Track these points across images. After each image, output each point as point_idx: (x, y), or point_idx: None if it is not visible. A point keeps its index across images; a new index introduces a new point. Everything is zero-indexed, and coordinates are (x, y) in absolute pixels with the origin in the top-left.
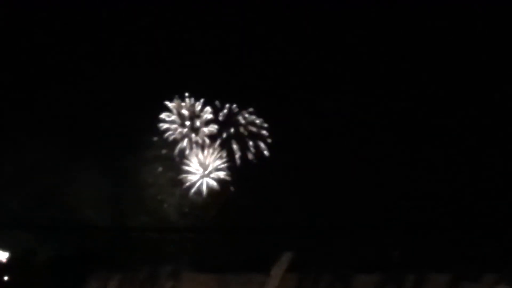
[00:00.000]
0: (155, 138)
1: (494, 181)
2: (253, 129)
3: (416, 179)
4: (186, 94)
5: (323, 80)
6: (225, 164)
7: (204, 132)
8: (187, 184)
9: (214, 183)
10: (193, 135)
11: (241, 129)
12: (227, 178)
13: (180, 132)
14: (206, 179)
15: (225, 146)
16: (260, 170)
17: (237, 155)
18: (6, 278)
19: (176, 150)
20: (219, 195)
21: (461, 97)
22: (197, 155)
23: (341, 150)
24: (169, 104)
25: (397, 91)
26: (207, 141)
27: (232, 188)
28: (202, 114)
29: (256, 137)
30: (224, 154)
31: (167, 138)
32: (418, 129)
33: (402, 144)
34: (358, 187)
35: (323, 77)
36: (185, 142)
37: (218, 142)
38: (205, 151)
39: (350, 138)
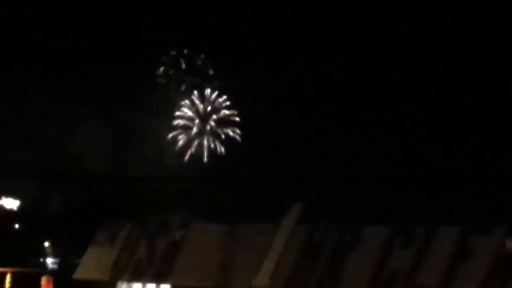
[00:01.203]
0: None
1: (505, 134)
2: None
3: (426, 133)
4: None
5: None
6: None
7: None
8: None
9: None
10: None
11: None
12: (235, 133)
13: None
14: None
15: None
16: (269, 123)
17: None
18: (17, 226)
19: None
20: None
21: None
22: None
23: (355, 104)
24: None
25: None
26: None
27: (238, 138)
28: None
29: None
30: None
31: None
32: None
33: (412, 97)
34: (370, 138)
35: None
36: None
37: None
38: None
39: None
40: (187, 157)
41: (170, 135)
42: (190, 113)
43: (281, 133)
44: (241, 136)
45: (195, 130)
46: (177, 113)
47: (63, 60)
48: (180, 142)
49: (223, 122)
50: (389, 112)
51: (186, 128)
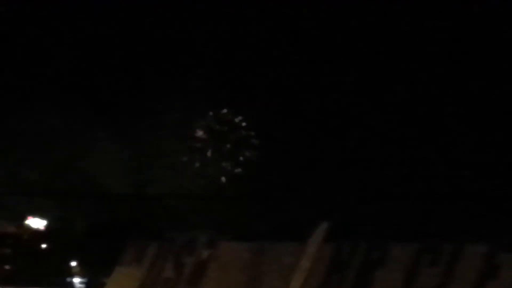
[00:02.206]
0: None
1: None
2: None
3: (453, 150)
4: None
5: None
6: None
7: None
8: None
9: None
10: None
11: None
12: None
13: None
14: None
15: None
16: (291, 141)
17: None
18: (44, 245)
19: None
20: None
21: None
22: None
23: (373, 122)
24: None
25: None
26: None
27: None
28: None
29: None
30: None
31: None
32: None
33: (439, 115)
34: (395, 156)
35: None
36: None
37: None
38: None
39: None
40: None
41: (186, 158)
42: (203, 135)
43: (305, 151)
44: (260, 155)
45: (210, 152)
46: (195, 134)
47: (83, 79)
48: (197, 164)
49: (240, 143)
50: (412, 130)
51: (201, 150)
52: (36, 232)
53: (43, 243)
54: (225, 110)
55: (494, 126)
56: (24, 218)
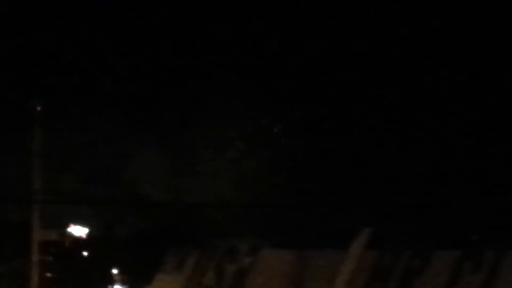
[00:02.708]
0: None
1: None
2: None
3: (491, 155)
4: None
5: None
6: None
7: None
8: None
9: None
10: None
11: None
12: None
13: None
14: None
15: None
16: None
17: None
18: (86, 253)
19: None
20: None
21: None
22: None
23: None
24: None
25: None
26: None
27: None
28: None
29: None
30: None
31: None
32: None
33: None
34: (436, 159)
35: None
36: None
37: None
38: None
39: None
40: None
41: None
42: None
43: (348, 157)
44: (300, 162)
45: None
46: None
47: (122, 87)
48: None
49: (280, 151)
50: (453, 132)
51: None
52: (78, 239)
53: (85, 250)
54: (263, 120)
55: None
56: (66, 226)
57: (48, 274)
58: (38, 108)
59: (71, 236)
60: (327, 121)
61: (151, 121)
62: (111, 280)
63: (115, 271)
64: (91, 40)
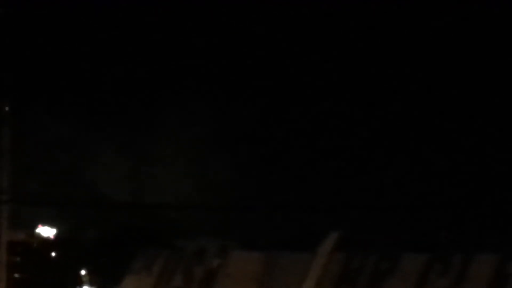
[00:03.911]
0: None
1: None
2: None
3: (461, 157)
4: None
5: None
6: None
7: None
8: None
9: None
10: None
11: None
12: None
13: None
14: None
15: None
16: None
17: None
18: (53, 254)
19: None
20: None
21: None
22: None
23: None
24: None
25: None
26: None
27: None
28: None
29: None
30: None
31: None
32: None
33: (448, 119)
34: (406, 163)
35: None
36: None
37: None
38: None
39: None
40: None
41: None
42: None
43: (316, 160)
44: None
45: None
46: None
47: (86, 88)
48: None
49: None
50: (425, 137)
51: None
52: (46, 240)
53: (53, 251)
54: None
55: (508, 133)
56: (35, 226)
57: (16, 275)
58: (6, 108)
59: (39, 236)
60: (295, 121)
61: (113, 123)
62: (80, 281)
63: (83, 272)
64: (57, 41)
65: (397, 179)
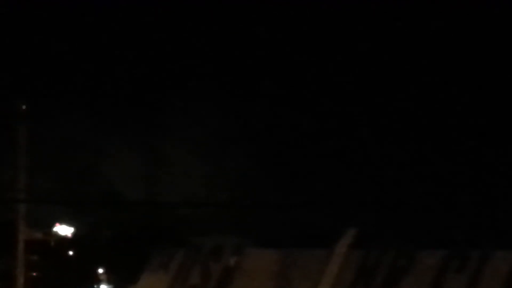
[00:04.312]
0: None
1: None
2: None
3: (479, 154)
4: None
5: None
6: None
7: None
8: None
9: None
10: None
11: None
12: None
13: None
14: None
15: None
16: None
17: None
18: (70, 253)
19: None
20: None
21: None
22: None
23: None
24: None
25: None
26: None
27: None
28: None
29: None
30: None
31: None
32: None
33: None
34: (422, 160)
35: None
36: None
37: None
38: None
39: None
40: None
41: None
42: None
43: (334, 156)
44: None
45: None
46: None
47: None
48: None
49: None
50: (443, 134)
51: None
52: (64, 239)
53: (70, 250)
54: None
55: None
56: (52, 225)
57: (34, 274)
58: (23, 107)
59: (56, 235)
60: (310, 117)
61: (129, 122)
62: (97, 279)
63: (100, 270)
64: (74, 40)
65: (415, 176)
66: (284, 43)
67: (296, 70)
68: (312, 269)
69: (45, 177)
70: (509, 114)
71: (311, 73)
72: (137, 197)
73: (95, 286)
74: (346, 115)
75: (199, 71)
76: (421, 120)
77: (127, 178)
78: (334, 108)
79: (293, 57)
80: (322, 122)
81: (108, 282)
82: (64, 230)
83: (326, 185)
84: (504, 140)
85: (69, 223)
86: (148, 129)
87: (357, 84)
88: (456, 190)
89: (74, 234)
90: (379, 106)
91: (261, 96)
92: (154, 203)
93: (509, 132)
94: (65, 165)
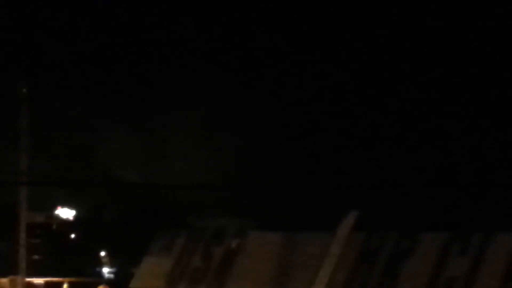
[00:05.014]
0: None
1: None
2: None
3: (480, 136)
4: None
5: None
6: None
7: None
8: None
9: None
10: None
11: None
12: None
13: None
14: None
15: None
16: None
17: None
18: (73, 235)
19: None
20: None
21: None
22: None
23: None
24: None
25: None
26: None
27: None
28: None
29: None
30: None
31: None
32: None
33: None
34: (424, 143)
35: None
36: None
37: None
38: None
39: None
40: None
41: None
42: None
43: (336, 140)
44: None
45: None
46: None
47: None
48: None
49: None
50: (441, 117)
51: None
52: (65, 222)
53: (72, 233)
54: None
55: None
56: (54, 208)
57: (36, 256)
58: (24, 90)
59: (58, 218)
60: (311, 102)
61: (129, 105)
62: (99, 262)
63: (102, 253)
64: (72, 26)
65: (416, 159)
66: (277, 28)
67: (292, 54)
68: (314, 252)
69: (45, 159)
70: (509, 106)
71: (307, 57)
72: (137, 179)
73: (98, 268)
74: (346, 100)
75: (196, 54)
76: (421, 104)
77: (127, 160)
78: (334, 91)
79: (286, 41)
80: (325, 105)
81: (111, 264)
82: (65, 213)
83: (328, 167)
84: (504, 124)
85: (70, 206)
86: (150, 114)
87: (352, 67)
88: (459, 173)
89: (76, 217)
90: (378, 90)
91: (261, 77)
92: (156, 185)
93: (509, 117)
94: (66, 148)
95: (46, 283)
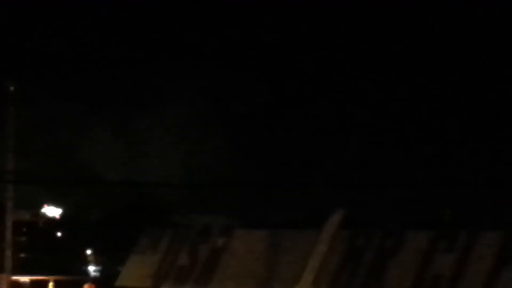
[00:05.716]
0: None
1: None
2: None
3: (466, 134)
4: None
5: None
6: None
7: None
8: None
9: None
10: None
11: None
12: None
13: None
14: None
15: None
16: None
17: None
18: (59, 234)
19: None
20: None
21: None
22: None
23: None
24: None
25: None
26: None
27: None
28: None
29: None
30: None
31: None
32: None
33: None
34: (408, 144)
35: None
36: None
37: None
38: None
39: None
40: None
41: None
42: None
43: (320, 138)
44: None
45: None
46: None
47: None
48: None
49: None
50: (432, 115)
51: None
52: (52, 220)
53: (59, 231)
54: None
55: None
56: (40, 206)
57: (22, 255)
58: (11, 88)
59: (44, 216)
60: (296, 99)
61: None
62: (85, 260)
63: (89, 251)
64: (58, 24)
65: (402, 157)
66: (265, 26)
67: (275, 52)
68: (300, 250)
69: (32, 158)
70: (506, 102)
71: (292, 53)
72: (122, 178)
73: (84, 267)
74: (331, 97)
75: (180, 49)
76: (410, 101)
77: (113, 160)
78: (320, 89)
79: (271, 39)
80: (308, 104)
81: (97, 263)
82: (52, 211)
83: (314, 166)
84: (494, 122)
85: (57, 204)
86: (134, 114)
87: (341, 66)
88: (444, 170)
89: (62, 215)
90: (365, 87)
91: (248, 74)
92: (139, 184)
93: (501, 114)
94: (50, 147)
95: (32, 281)
